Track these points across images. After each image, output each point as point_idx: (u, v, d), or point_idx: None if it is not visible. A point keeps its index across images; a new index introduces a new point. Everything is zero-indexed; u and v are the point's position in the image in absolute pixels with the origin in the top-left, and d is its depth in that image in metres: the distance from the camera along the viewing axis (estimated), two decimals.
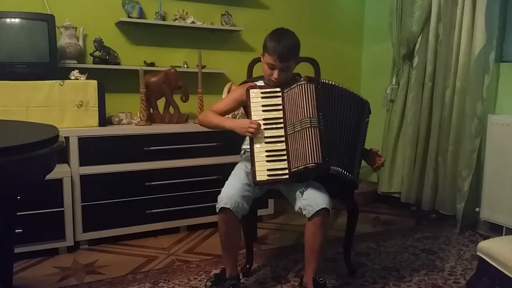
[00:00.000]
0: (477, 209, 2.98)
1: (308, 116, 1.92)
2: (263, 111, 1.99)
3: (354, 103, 2.07)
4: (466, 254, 2.66)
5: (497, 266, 1.66)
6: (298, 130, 1.92)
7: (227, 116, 2.18)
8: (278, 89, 2.02)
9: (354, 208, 2.32)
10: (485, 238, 2.69)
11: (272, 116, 1.98)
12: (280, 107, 1.99)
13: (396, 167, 3.54)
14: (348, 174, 1.96)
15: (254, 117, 1.98)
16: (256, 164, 1.92)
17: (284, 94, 2.00)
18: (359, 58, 4.15)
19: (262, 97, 2.01)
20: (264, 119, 1.97)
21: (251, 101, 2.00)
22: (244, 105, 2.08)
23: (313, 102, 1.94)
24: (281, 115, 1.98)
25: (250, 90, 2.01)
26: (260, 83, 2.13)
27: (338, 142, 1.98)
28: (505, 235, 2.77)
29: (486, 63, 2.89)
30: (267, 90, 2.02)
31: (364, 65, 4.14)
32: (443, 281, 2.31)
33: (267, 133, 1.96)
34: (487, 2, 2.84)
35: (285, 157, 1.93)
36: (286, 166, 1.92)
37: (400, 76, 3.46)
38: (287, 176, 1.91)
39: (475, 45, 2.91)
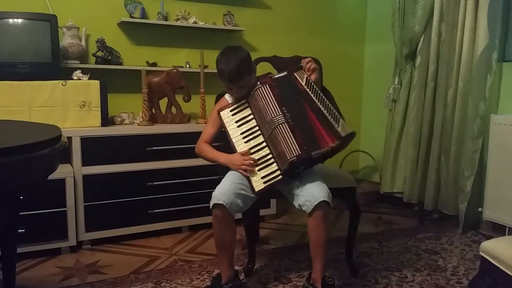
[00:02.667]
0: (479, 209, 2.98)
1: (273, 115, 1.96)
2: (238, 126, 2.06)
3: (289, 81, 2.05)
4: (469, 254, 2.65)
5: (500, 266, 1.66)
6: (271, 132, 1.96)
7: None
8: (244, 101, 2.09)
9: (356, 208, 2.32)
10: (488, 238, 2.68)
11: (248, 128, 2.05)
12: (251, 116, 2.06)
13: (399, 167, 3.53)
14: (338, 140, 1.91)
15: (232, 136, 2.05)
16: (250, 176, 1.96)
17: (250, 103, 2.07)
18: (361, 58, 4.14)
19: (233, 114, 2.09)
20: (241, 134, 2.04)
21: (224, 122, 2.08)
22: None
23: (272, 100, 1.99)
24: (255, 124, 2.04)
25: (221, 113, 2.10)
26: (228, 97, 2.17)
27: (313, 119, 1.95)
28: (508, 235, 2.76)
29: (489, 63, 2.88)
30: (235, 106, 2.10)
31: (367, 65, 4.14)
32: (445, 281, 2.30)
33: (249, 145, 2.01)
34: (489, 2, 2.83)
35: (273, 160, 1.96)
36: (277, 167, 1.95)
37: (402, 76, 3.46)
38: (281, 177, 1.94)
39: (477, 45, 2.90)
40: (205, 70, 3.12)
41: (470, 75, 2.96)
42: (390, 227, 3.18)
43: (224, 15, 3.41)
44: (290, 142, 1.90)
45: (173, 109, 3.02)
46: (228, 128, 2.06)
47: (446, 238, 2.92)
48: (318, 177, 1.99)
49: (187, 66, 3.30)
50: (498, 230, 2.89)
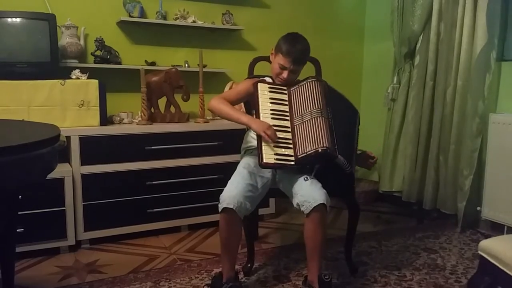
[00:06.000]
0: (478, 208, 2.98)
1: (318, 107, 1.98)
2: (270, 103, 2.06)
3: (349, 109, 2.18)
4: (468, 253, 2.66)
5: (499, 265, 1.66)
6: (307, 120, 1.97)
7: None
8: (284, 87, 2.11)
9: (355, 207, 2.32)
10: (487, 237, 2.68)
11: (278, 109, 2.05)
12: (286, 102, 2.08)
13: (397, 166, 3.53)
14: (349, 165, 1.98)
15: (261, 107, 2.03)
16: (263, 147, 1.95)
17: (291, 91, 2.08)
18: (360, 57, 4.14)
19: (270, 91, 2.08)
20: (271, 110, 2.04)
21: (259, 93, 2.07)
22: (251, 98, 2.13)
23: (322, 97, 2.01)
24: (287, 109, 2.06)
25: (259, 84, 2.09)
26: (268, 79, 2.20)
27: (342, 141, 2.01)
28: (506, 233, 2.77)
29: (487, 62, 2.89)
30: (276, 86, 2.12)
31: (366, 64, 4.14)
32: (444, 280, 2.31)
33: (274, 123, 2.01)
34: (488, 1, 2.84)
35: (291, 146, 1.97)
36: (292, 153, 1.95)
37: (401, 75, 3.46)
38: (293, 163, 1.94)
39: (476, 44, 2.90)
40: (204, 70, 3.12)
41: (468, 74, 2.97)
42: (389, 226, 3.19)
43: (223, 14, 3.41)
44: (324, 135, 1.91)
45: (172, 109, 3.02)
46: (260, 100, 2.05)
47: (445, 237, 2.92)
48: (319, 182, 2.00)
49: (186, 65, 3.30)
50: (497, 229, 2.90)
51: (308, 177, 1.97)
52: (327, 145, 1.89)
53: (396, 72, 3.50)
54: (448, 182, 3.12)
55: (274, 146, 1.95)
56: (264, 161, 1.92)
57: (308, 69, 2.49)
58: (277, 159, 1.93)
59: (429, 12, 3.21)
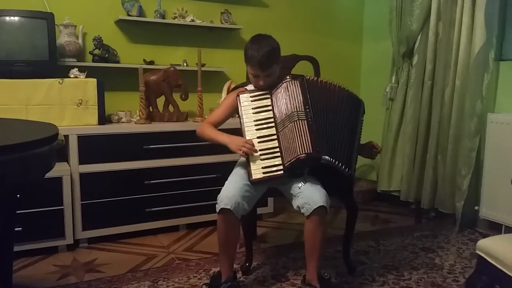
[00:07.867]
0: (476, 208, 2.99)
1: (295, 110, 1.97)
2: (253, 113, 2.05)
3: (348, 100, 2.13)
4: (465, 253, 2.66)
5: (496, 264, 1.67)
6: (287, 126, 1.97)
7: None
8: (267, 91, 2.08)
9: (353, 206, 2.32)
10: (484, 236, 2.68)
11: (262, 117, 2.04)
12: (270, 107, 2.05)
13: (396, 165, 3.54)
14: (346, 168, 1.97)
15: (245, 120, 2.03)
16: (251, 162, 1.95)
17: (272, 95, 2.06)
18: (358, 56, 4.15)
19: (252, 100, 2.07)
20: (255, 121, 2.03)
21: (241, 105, 2.06)
22: (237, 111, 2.11)
23: (299, 97, 1.99)
24: (271, 115, 2.03)
25: (240, 95, 2.08)
26: (251, 87, 2.17)
27: (332, 135, 2.00)
28: (504, 233, 2.77)
29: (486, 62, 2.89)
30: (257, 93, 2.09)
31: (364, 64, 4.14)
32: (442, 279, 2.31)
33: (260, 133, 2.01)
34: (486, 0, 2.84)
35: (279, 154, 1.96)
36: (280, 162, 1.95)
37: (399, 74, 3.46)
38: (282, 172, 1.94)
39: (474, 43, 2.91)
40: (203, 69, 3.12)
41: (467, 73, 2.97)
42: (387, 225, 3.19)
43: (222, 13, 3.40)
44: (304, 139, 1.91)
45: (171, 108, 3.01)
46: (243, 113, 2.04)
47: (443, 237, 2.93)
48: (318, 182, 2.00)
49: (185, 64, 3.29)
50: (495, 228, 2.90)
51: (303, 183, 1.96)
52: (306, 151, 1.89)
53: (394, 71, 3.50)
54: (446, 181, 3.12)
55: (262, 158, 1.95)
56: (253, 177, 1.93)
57: (306, 68, 2.50)
58: (265, 172, 1.94)
59: (427, 11, 3.21)
